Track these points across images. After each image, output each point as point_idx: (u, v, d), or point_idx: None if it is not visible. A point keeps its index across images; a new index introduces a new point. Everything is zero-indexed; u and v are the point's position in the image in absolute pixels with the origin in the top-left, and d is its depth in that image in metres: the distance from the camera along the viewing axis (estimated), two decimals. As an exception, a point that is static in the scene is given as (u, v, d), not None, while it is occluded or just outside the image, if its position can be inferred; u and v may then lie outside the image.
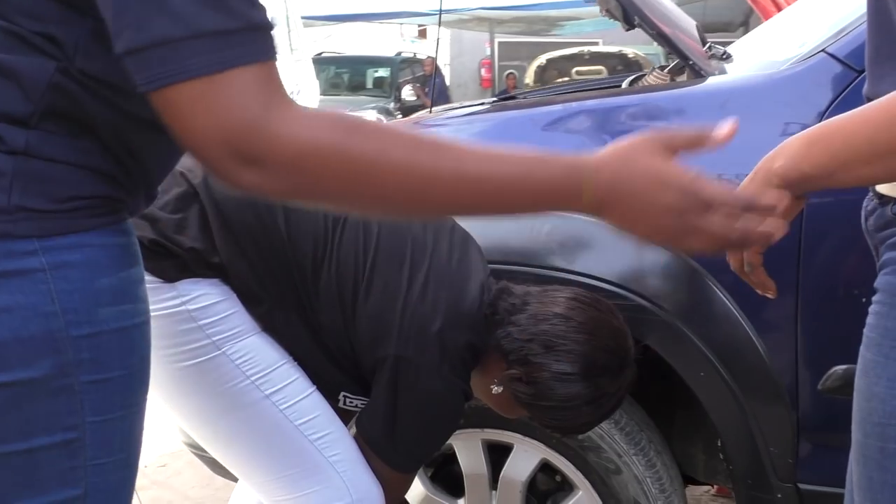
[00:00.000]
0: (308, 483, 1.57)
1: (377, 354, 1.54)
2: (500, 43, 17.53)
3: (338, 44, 17.21)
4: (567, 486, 1.93)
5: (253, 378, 1.51)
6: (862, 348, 1.17)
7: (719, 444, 1.84)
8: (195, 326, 1.48)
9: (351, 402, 1.64)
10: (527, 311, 1.57)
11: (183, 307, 1.47)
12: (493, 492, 1.93)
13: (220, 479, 2.50)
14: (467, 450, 1.93)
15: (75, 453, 0.97)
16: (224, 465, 1.63)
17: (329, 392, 1.61)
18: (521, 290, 1.62)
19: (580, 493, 1.89)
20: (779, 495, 1.81)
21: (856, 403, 1.17)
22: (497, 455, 1.93)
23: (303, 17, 12.03)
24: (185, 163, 1.53)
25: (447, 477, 2.02)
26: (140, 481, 2.55)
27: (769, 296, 1.24)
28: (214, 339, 1.49)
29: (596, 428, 1.81)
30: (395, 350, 1.53)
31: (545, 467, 1.92)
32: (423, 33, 20.23)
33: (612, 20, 2.34)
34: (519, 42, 17.56)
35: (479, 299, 1.60)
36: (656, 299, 1.77)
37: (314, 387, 1.59)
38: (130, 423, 1.03)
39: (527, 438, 1.88)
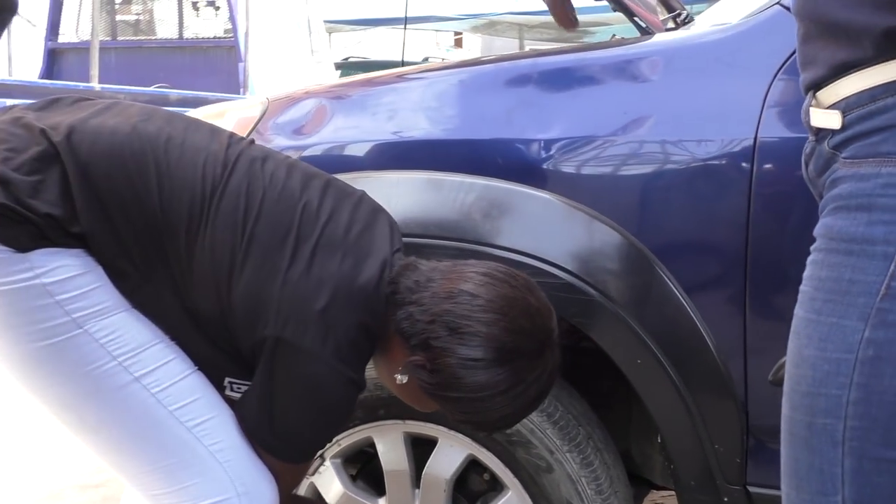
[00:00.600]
0: (186, 475, 1.41)
1: (255, 337, 1.37)
2: (529, 49, 17.37)
3: (368, 49, 17.17)
4: (497, 486, 1.75)
5: (121, 359, 1.35)
6: (796, 307, 1.01)
7: (659, 441, 1.65)
8: (52, 302, 1.32)
9: (238, 389, 1.46)
10: (431, 288, 1.39)
11: (37, 280, 1.30)
12: (417, 490, 1.75)
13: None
14: (387, 444, 1.76)
15: None
16: (95, 454, 1.47)
17: (213, 378, 1.45)
18: (428, 265, 1.44)
19: (510, 492, 1.71)
20: (725, 499, 1.62)
21: (786, 372, 1.01)
22: (422, 450, 1.76)
23: (329, 21, 11.97)
24: (49, 118, 1.39)
25: (371, 473, 1.85)
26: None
27: None
28: (74, 315, 1.33)
29: (525, 421, 1.63)
30: (272, 331, 1.35)
31: (474, 464, 1.74)
32: (458, 42, 20.14)
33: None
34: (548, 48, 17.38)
35: (379, 276, 1.41)
36: (587, 276, 1.60)
37: (195, 369, 1.43)
38: None
39: (452, 432, 1.71)
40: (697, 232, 1.59)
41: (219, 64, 8.39)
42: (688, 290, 1.57)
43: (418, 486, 1.75)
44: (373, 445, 1.78)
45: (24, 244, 1.30)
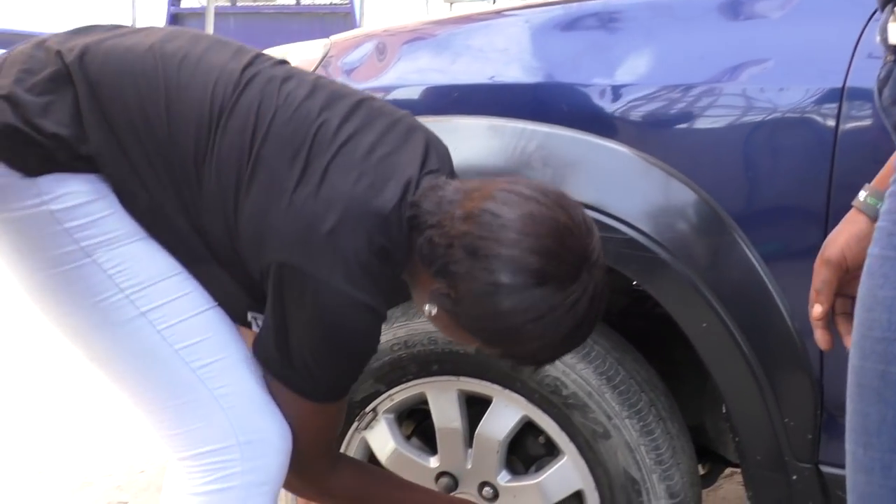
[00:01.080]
0: (189, 418, 1.36)
1: (262, 262, 1.30)
2: None
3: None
4: (553, 450, 1.67)
5: (127, 292, 1.31)
6: (870, 246, 0.90)
7: (724, 411, 1.54)
8: (60, 230, 1.29)
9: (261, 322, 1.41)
10: (451, 209, 1.27)
11: (45, 207, 1.28)
12: (469, 450, 1.69)
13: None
14: (440, 401, 1.69)
15: None
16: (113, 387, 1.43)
17: (235, 313, 1.40)
18: (454, 186, 1.31)
19: (565, 457, 1.63)
20: (794, 477, 1.50)
21: (856, 318, 0.90)
22: (476, 410, 1.69)
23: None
24: (71, 42, 1.36)
25: (425, 432, 1.79)
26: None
27: None
28: (83, 244, 1.29)
29: (583, 384, 1.56)
30: (277, 255, 1.27)
31: (529, 427, 1.67)
32: None
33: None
34: None
35: (399, 198, 1.29)
36: (653, 233, 1.50)
37: (211, 306, 1.38)
38: None
39: (507, 392, 1.64)
40: (777, 192, 1.47)
41: (334, 30, 8.40)
42: (763, 255, 1.46)
43: (471, 446, 1.68)
44: (426, 402, 1.72)
45: (31, 168, 1.28)
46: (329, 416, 1.42)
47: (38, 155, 1.27)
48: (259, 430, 1.35)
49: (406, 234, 1.31)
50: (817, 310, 1.12)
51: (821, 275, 1.12)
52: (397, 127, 1.39)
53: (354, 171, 1.30)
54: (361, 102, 1.40)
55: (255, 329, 1.40)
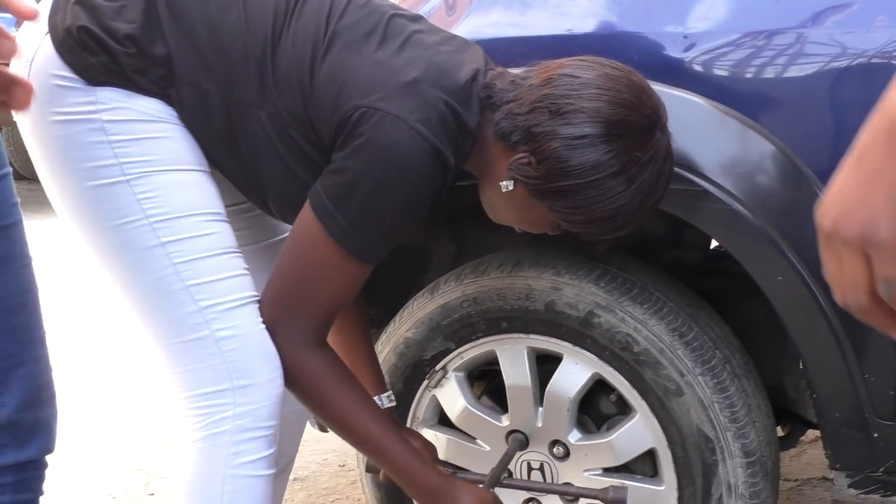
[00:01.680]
0: (188, 358, 1.36)
1: (338, 115, 1.31)
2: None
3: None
4: (625, 408, 1.65)
5: (152, 220, 1.32)
6: None
7: (801, 367, 1.49)
8: (104, 141, 1.30)
9: None
10: (527, 82, 1.35)
11: (96, 115, 1.30)
12: (540, 408, 1.67)
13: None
14: (510, 358, 1.68)
15: None
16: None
17: (294, 207, 1.40)
18: (521, 70, 1.40)
19: (637, 415, 1.60)
20: (875, 435, 1.45)
21: None
22: (547, 368, 1.67)
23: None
24: None
25: (495, 391, 1.78)
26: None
27: None
28: (122, 160, 1.31)
29: (655, 340, 1.53)
30: (356, 101, 1.30)
31: (601, 385, 1.65)
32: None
33: None
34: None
35: (472, 76, 1.37)
36: (726, 185, 1.45)
37: (230, 250, 1.39)
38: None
39: (577, 349, 1.61)
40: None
41: None
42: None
43: (542, 405, 1.67)
44: (497, 362, 1.71)
45: (95, 76, 1.31)
46: (352, 281, 1.39)
47: (105, 66, 1.30)
48: (255, 376, 1.35)
49: (479, 113, 1.36)
50: None
51: None
52: (457, 38, 1.45)
53: (429, 51, 1.36)
54: (422, 17, 1.47)
55: None
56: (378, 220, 1.33)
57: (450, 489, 1.47)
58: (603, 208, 1.32)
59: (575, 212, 1.33)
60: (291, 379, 1.39)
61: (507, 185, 1.35)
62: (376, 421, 1.44)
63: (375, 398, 1.63)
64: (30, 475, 1.21)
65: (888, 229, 0.74)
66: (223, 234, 1.38)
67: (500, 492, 1.60)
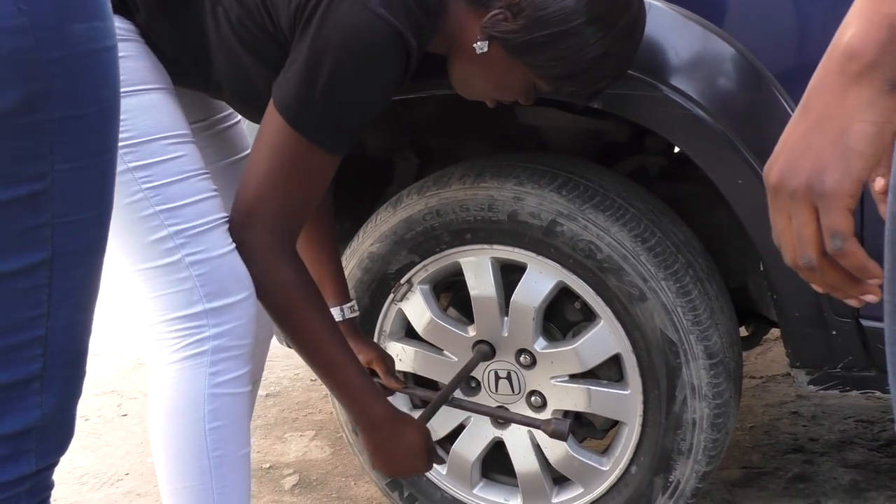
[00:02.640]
0: (162, 283, 1.36)
1: (294, 4, 1.29)
2: None
3: None
4: (589, 315, 1.66)
5: (120, 145, 1.29)
6: None
7: (762, 269, 1.51)
8: None
9: None
10: None
11: None
12: (505, 318, 1.69)
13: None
14: (475, 269, 1.68)
15: (40, 208, 0.83)
16: None
17: (257, 99, 1.40)
18: None
19: (601, 322, 1.62)
20: (833, 332, 1.48)
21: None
22: (513, 277, 1.68)
23: None
24: None
25: (460, 302, 1.79)
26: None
27: (869, 299, 0.78)
28: None
29: (617, 246, 1.53)
30: None
31: (565, 293, 1.66)
32: None
33: None
34: None
35: None
36: (687, 89, 1.45)
37: (201, 172, 1.38)
38: (103, 173, 0.90)
39: (540, 258, 1.62)
40: (818, 45, 1.40)
41: None
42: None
43: (507, 315, 1.68)
44: (461, 273, 1.71)
45: None
46: (321, 175, 1.38)
47: None
48: (227, 297, 1.36)
49: None
50: (880, 183, 1.03)
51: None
52: None
53: None
54: None
55: None
56: (341, 108, 1.32)
57: (397, 423, 1.49)
58: (583, 57, 1.32)
59: (555, 64, 1.33)
60: (261, 287, 1.39)
61: (481, 45, 1.34)
62: (337, 340, 1.44)
63: (338, 308, 1.65)
64: (47, 474, 0.97)
65: (834, 178, 0.70)
66: (191, 155, 1.37)
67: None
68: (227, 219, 1.39)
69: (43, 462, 0.95)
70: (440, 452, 1.61)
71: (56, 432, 0.96)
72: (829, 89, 0.71)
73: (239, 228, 1.38)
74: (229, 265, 1.37)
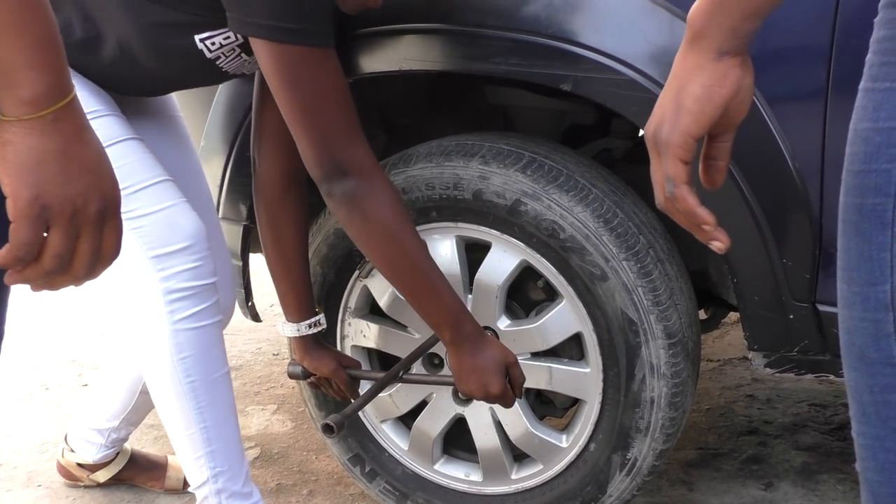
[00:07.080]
0: None
1: None
2: None
3: None
4: (552, 294, 1.68)
5: None
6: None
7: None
8: None
9: (212, 42, 1.46)
10: None
11: None
12: (469, 296, 1.70)
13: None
14: (439, 248, 1.69)
15: None
16: None
17: (182, 50, 1.45)
18: None
19: (563, 301, 1.64)
20: (791, 316, 1.51)
21: (846, 153, 0.89)
22: (477, 256, 1.70)
23: None
24: None
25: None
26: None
27: (716, 247, 0.88)
28: None
29: (580, 226, 1.55)
30: None
31: (529, 272, 1.68)
32: None
33: None
34: None
35: None
36: (653, 74, 1.47)
37: (129, 137, 1.48)
38: None
39: (505, 236, 1.64)
40: (781, 32, 1.43)
41: None
42: (766, 97, 1.43)
43: (471, 292, 1.70)
44: (427, 249, 1.72)
45: None
46: (338, 73, 1.42)
47: None
48: (166, 245, 1.47)
49: None
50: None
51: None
52: None
53: None
54: None
55: (209, 56, 1.46)
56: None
57: (485, 337, 1.55)
58: None
59: None
60: (378, 201, 1.46)
61: None
62: (430, 256, 1.52)
63: (303, 323, 1.70)
64: None
65: (667, 130, 0.83)
66: (114, 118, 1.45)
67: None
68: (160, 180, 1.49)
69: None
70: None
71: None
72: (679, 54, 0.84)
73: (330, 173, 1.43)
74: (164, 218, 1.48)
